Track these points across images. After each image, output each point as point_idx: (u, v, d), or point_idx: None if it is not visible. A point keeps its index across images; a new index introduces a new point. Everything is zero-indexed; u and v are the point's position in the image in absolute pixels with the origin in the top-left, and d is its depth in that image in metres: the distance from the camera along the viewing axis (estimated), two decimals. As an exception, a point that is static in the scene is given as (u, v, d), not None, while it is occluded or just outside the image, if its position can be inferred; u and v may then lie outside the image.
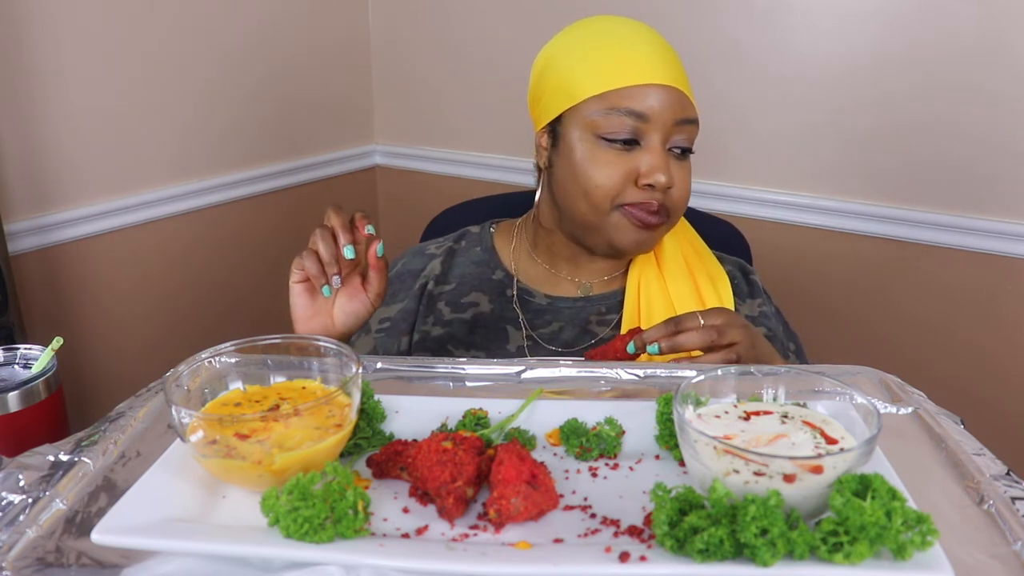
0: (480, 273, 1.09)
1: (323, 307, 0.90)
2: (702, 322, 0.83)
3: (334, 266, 0.85)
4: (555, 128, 1.00)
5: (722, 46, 1.67)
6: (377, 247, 0.86)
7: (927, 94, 1.50)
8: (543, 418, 0.68)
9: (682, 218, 1.12)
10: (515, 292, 1.06)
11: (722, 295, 1.04)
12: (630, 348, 0.83)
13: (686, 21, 1.69)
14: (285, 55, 1.95)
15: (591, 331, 1.03)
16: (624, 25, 0.99)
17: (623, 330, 1.01)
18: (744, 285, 1.08)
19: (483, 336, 1.04)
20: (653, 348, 0.82)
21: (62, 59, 1.53)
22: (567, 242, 1.05)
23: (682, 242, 1.08)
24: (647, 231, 0.97)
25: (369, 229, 0.86)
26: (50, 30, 1.51)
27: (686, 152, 0.98)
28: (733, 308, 1.03)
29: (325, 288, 0.86)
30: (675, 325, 0.83)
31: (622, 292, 1.05)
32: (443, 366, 0.77)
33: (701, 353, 0.84)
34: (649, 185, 0.94)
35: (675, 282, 1.03)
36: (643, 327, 1.00)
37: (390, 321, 1.07)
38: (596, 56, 0.96)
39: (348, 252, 0.84)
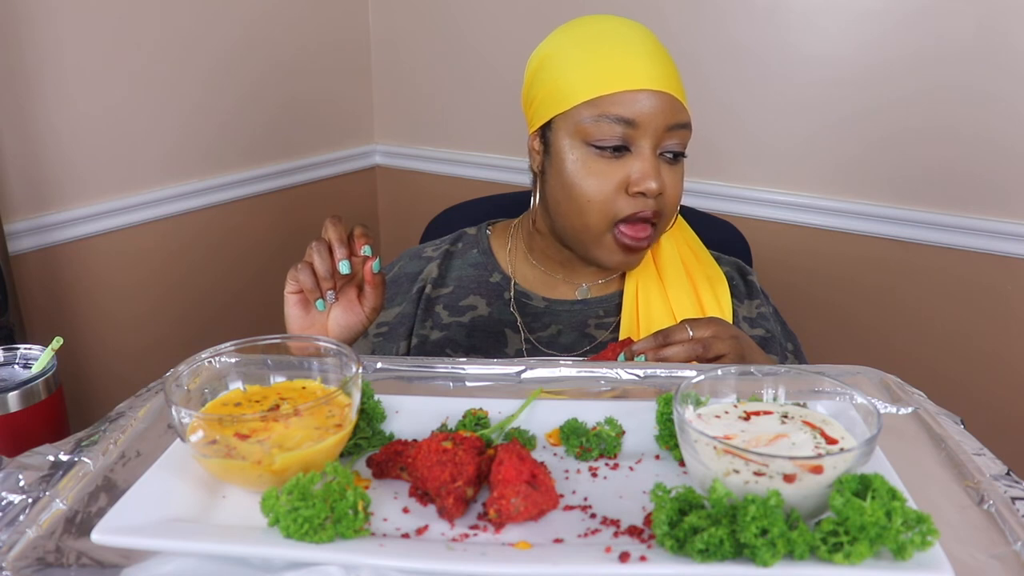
0: (477, 276, 1.08)
1: (317, 319, 0.89)
2: (691, 334, 0.83)
3: (329, 281, 0.85)
4: (546, 133, 0.99)
5: (723, 46, 1.67)
6: (373, 264, 0.86)
7: (928, 95, 1.50)
8: (543, 418, 0.68)
9: (680, 219, 1.12)
10: (512, 295, 1.06)
11: (720, 297, 1.03)
12: (620, 359, 0.84)
13: (687, 21, 1.69)
14: (285, 55, 1.95)
15: (589, 334, 1.03)
16: (617, 27, 0.97)
17: (621, 334, 1.01)
18: (742, 286, 1.08)
19: (481, 340, 1.03)
20: (642, 360, 0.82)
21: (62, 59, 1.53)
22: (561, 247, 1.04)
23: (680, 243, 1.08)
24: (634, 254, 0.97)
25: (366, 250, 0.84)
26: (50, 30, 1.51)
27: (678, 156, 0.97)
28: (731, 310, 1.03)
29: (319, 302, 0.86)
30: (663, 338, 0.83)
31: (620, 295, 1.05)
32: (443, 366, 0.77)
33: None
34: (640, 193, 0.93)
35: (673, 285, 1.03)
36: (641, 330, 1.00)
37: (388, 326, 1.07)
38: (587, 61, 0.94)
39: (344, 267, 0.84)
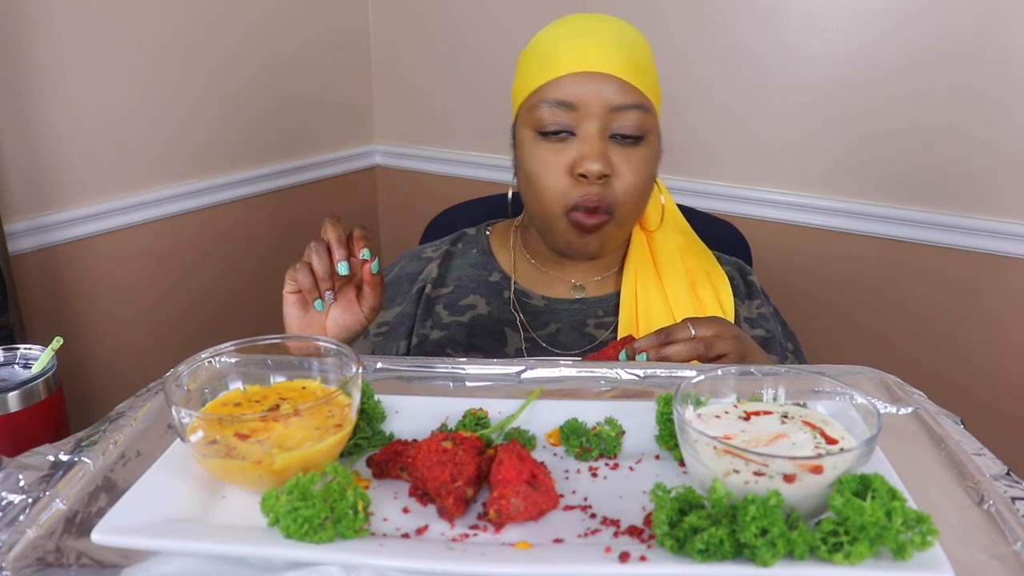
0: (477, 275, 1.09)
1: (316, 319, 0.89)
2: (693, 332, 0.83)
3: (328, 281, 0.85)
4: (515, 128, 1.02)
5: (723, 46, 1.67)
6: (372, 265, 0.85)
7: (927, 95, 1.51)
8: (543, 418, 0.68)
9: (680, 218, 1.12)
10: (512, 294, 1.06)
11: (721, 295, 1.03)
12: (621, 357, 0.83)
13: (687, 21, 1.69)
14: (285, 55, 1.95)
15: (589, 334, 1.03)
16: (581, 19, 0.98)
17: (620, 333, 1.01)
18: (743, 286, 1.08)
19: (481, 339, 1.03)
20: (642, 357, 0.82)
21: (62, 59, 1.53)
22: (542, 241, 1.06)
23: (680, 241, 1.08)
24: (589, 235, 0.96)
25: (365, 253, 0.84)
26: (50, 30, 1.51)
27: (636, 139, 0.95)
28: (733, 309, 1.03)
29: (318, 302, 0.86)
30: (665, 336, 0.83)
31: (619, 295, 1.05)
32: (443, 366, 0.77)
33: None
34: (583, 175, 0.93)
35: (672, 285, 1.03)
36: (641, 330, 1.00)
37: (388, 325, 1.07)
38: (539, 53, 0.97)
39: (342, 268, 0.83)
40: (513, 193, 1.08)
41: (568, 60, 0.94)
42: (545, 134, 0.95)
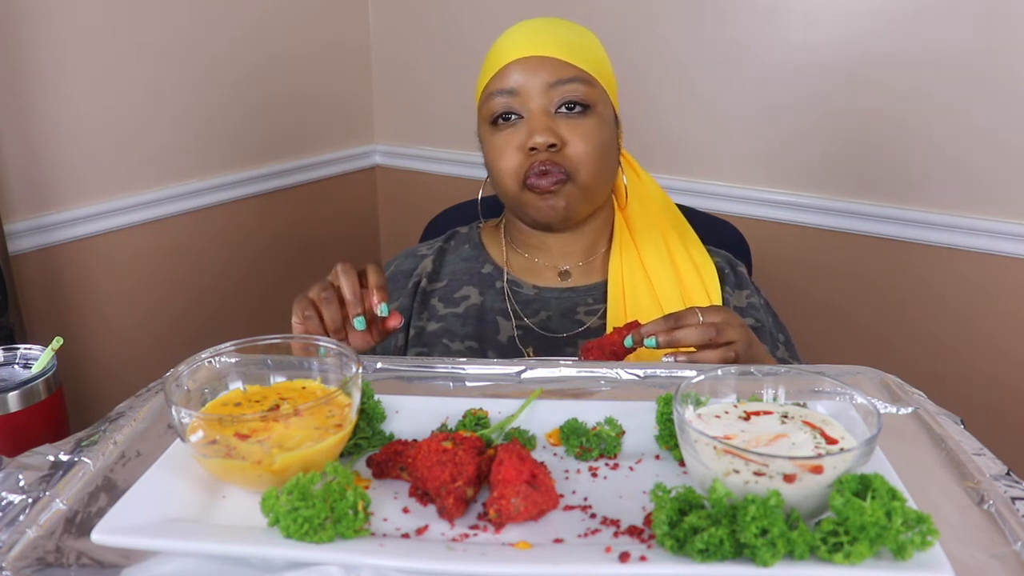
0: (470, 268, 1.12)
1: None
2: (701, 319, 0.83)
3: (341, 332, 0.84)
4: (479, 129, 1.07)
5: (722, 46, 1.67)
6: (392, 322, 0.84)
7: (928, 95, 1.51)
8: (543, 418, 0.68)
9: (672, 205, 1.14)
10: (504, 283, 1.08)
11: (707, 281, 1.05)
12: (627, 342, 0.83)
13: (687, 22, 1.69)
14: (285, 55, 1.95)
15: (579, 320, 1.05)
16: (523, 22, 1.03)
17: (609, 320, 1.02)
18: (732, 276, 1.10)
19: (475, 327, 1.06)
20: (651, 342, 0.82)
21: (62, 59, 1.53)
22: (524, 228, 1.09)
23: (664, 227, 1.09)
24: (551, 195, 0.99)
25: (383, 309, 0.82)
26: (50, 30, 1.51)
27: (584, 109, 0.99)
28: (719, 293, 1.05)
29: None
30: (674, 321, 0.83)
31: (607, 283, 1.07)
32: (443, 366, 0.77)
33: (695, 350, 0.83)
34: (533, 149, 0.97)
35: (657, 274, 1.05)
36: (629, 317, 1.01)
37: None
38: (487, 57, 1.04)
39: (358, 324, 0.82)
40: (482, 198, 1.13)
41: (506, 52, 1.00)
42: (496, 122, 1.00)
